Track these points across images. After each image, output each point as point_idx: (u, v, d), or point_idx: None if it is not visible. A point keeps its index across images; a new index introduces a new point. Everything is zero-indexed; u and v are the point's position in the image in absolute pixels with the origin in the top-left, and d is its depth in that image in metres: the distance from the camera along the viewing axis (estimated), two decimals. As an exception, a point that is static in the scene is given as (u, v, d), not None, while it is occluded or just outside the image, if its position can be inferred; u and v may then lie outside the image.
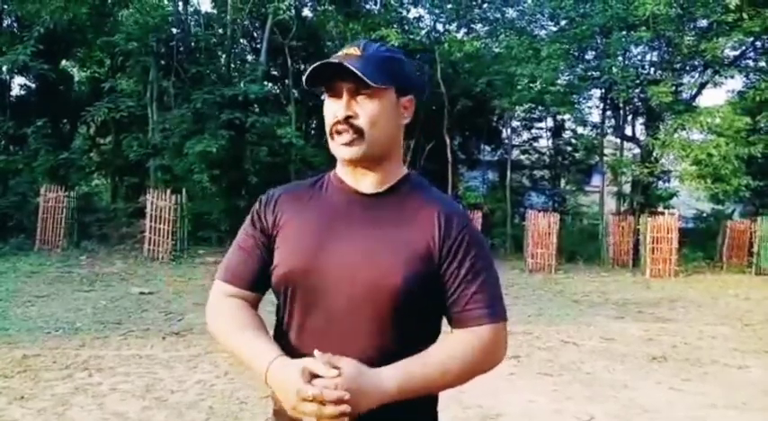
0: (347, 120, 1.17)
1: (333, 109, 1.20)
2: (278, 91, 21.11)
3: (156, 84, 16.54)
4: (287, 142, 15.86)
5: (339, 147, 1.20)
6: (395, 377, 1.09)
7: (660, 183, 19.40)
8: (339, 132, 1.19)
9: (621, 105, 18.87)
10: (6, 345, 5.42)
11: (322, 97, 1.24)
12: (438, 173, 22.07)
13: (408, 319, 1.15)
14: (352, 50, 1.18)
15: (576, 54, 18.25)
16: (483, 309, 1.16)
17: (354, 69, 1.12)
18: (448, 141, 19.77)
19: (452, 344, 1.17)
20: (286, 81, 19.83)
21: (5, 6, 17.64)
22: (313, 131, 24.51)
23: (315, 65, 1.17)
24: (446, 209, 1.19)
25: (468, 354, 1.15)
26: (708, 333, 7.36)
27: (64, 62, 20.36)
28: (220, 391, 4.37)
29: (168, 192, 13.57)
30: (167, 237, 13.05)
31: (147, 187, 15.11)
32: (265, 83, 18.03)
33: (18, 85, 20.05)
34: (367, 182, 1.22)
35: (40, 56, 16.08)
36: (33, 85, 19.53)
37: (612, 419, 4.16)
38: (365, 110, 1.17)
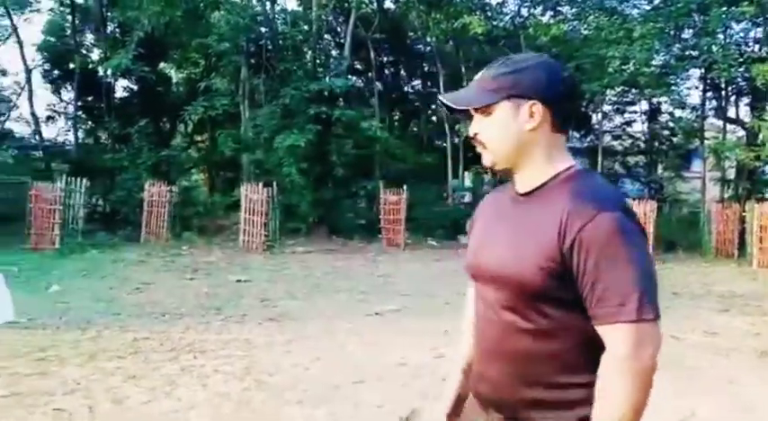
0: (475, 136, 1.33)
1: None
2: (362, 84, 21.37)
3: (247, 82, 17.21)
4: (371, 135, 16.05)
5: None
6: None
7: (768, 167, 18.04)
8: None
9: (723, 85, 17.66)
10: (119, 329, 5.87)
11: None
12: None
13: (527, 305, 1.22)
14: (479, 74, 1.35)
15: (672, 33, 17.23)
16: (606, 307, 1.15)
17: (448, 102, 1.33)
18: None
19: (599, 379, 1.17)
20: (369, 74, 20.05)
21: (109, 14, 18.91)
22: (396, 123, 24.66)
23: (439, 101, 1.39)
24: (572, 206, 1.18)
25: (610, 375, 1.15)
26: (826, 328, 6.79)
27: (162, 64, 21.59)
28: (314, 375, 4.52)
29: (260, 185, 14.13)
30: (260, 229, 13.60)
31: (241, 181, 15.78)
32: (349, 76, 18.30)
33: (121, 87, 21.52)
34: (520, 183, 1.33)
35: (141, 59, 17.13)
36: (135, 87, 20.87)
37: (715, 416, 3.95)
38: (482, 126, 1.31)
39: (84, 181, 13.66)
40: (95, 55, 20.64)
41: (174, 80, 23.11)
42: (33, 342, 5.29)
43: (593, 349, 1.18)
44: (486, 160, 1.33)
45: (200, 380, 4.37)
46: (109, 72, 18.87)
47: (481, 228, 1.39)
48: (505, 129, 1.28)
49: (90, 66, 20.10)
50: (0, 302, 1.79)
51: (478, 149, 1.34)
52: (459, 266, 10.00)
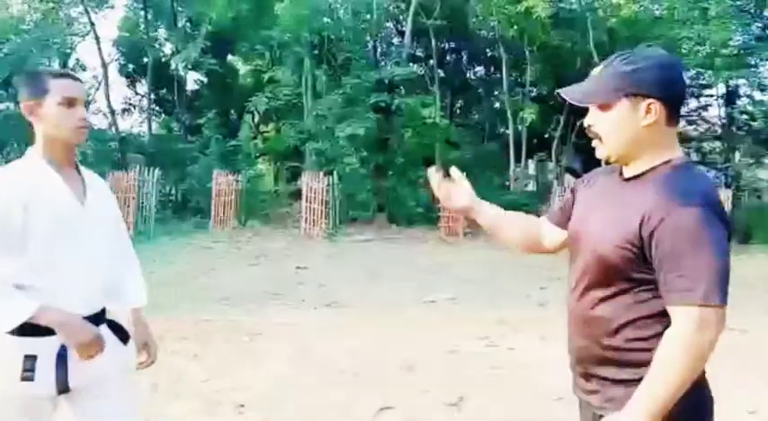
0: (589, 128, 1.43)
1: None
2: (422, 72, 21.28)
3: (309, 72, 17.50)
4: (431, 123, 16.01)
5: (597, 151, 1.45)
6: (640, 414, 1.27)
7: None
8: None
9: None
10: (185, 311, 6.17)
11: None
12: (590, 148, 20.97)
13: (611, 279, 1.37)
14: (596, 70, 1.43)
15: (753, 11, 16.24)
16: (677, 293, 1.27)
17: (567, 97, 1.44)
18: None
19: (660, 348, 1.30)
20: (430, 61, 19.95)
21: (179, 9, 19.63)
22: (459, 111, 24.44)
23: (557, 95, 1.52)
24: (658, 197, 1.29)
25: (672, 352, 1.27)
26: None
27: (230, 57, 22.25)
28: (364, 360, 4.63)
29: (321, 174, 14.39)
30: (321, 217, 13.87)
31: (304, 170, 16.12)
32: (410, 64, 18.28)
33: (192, 80, 22.34)
34: (626, 170, 1.43)
35: (209, 52, 17.72)
36: (205, 80, 21.62)
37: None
38: (598, 120, 1.41)
39: (157, 170, 14.31)
40: (167, 49, 21.52)
41: (241, 72, 23.77)
42: None
43: (662, 324, 1.32)
44: (600, 152, 1.43)
45: (256, 361, 4.56)
46: (180, 65, 19.64)
47: (584, 203, 1.53)
48: (623, 126, 1.37)
49: (162, 59, 20.96)
50: (135, 286, 1.98)
51: (593, 142, 1.43)
52: (517, 255, 9.94)
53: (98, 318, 1.81)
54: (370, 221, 16.20)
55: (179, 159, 18.11)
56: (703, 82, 20.81)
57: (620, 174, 1.45)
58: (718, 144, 22.39)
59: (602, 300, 1.39)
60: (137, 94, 23.24)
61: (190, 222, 15.01)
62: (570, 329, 1.51)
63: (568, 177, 15.82)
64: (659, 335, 1.31)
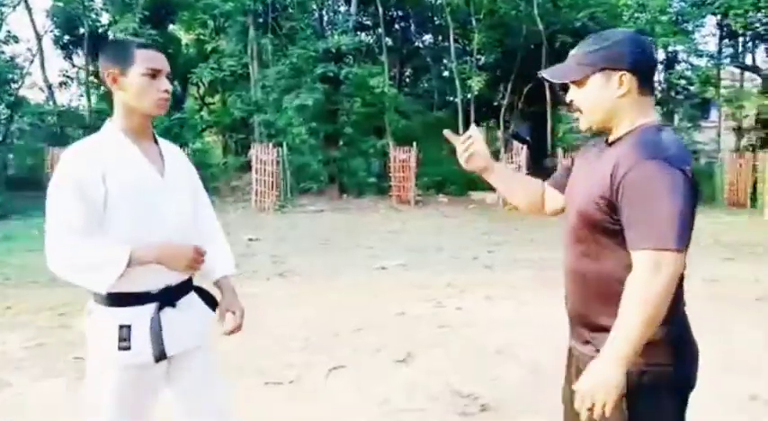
0: (571, 102, 1.57)
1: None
2: (370, 41, 21.14)
3: (254, 42, 17.16)
4: (380, 92, 16.01)
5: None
6: (612, 359, 1.38)
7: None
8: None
9: (740, 32, 17.21)
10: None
11: None
12: (537, 115, 21.42)
13: (590, 234, 1.51)
14: (573, 51, 1.56)
15: (689, -23, 16.77)
16: (636, 237, 1.38)
17: (548, 77, 1.58)
18: (546, 82, 19.06)
19: (627, 287, 1.40)
20: (378, 29, 19.82)
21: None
22: (407, 80, 24.45)
23: (539, 75, 1.65)
24: (624, 154, 1.43)
25: (635, 292, 1.37)
26: (827, 274, 6.86)
27: (171, 26, 21.54)
28: (316, 325, 4.76)
29: (271, 146, 14.27)
30: (272, 189, 13.81)
31: (253, 142, 15.94)
32: (357, 32, 18.14)
33: (134, 51, 21.54)
34: (610, 136, 1.57)
35: (149, 22, 17.11)
36: (147, 51, 20.91)
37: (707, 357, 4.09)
38: (577, 95, 1.55)
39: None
40: (104, 19, 20.66)
41: (184, 42, 23.08)
42: (55, 299, 5.59)
43: None
44: (583, 124, 1.57)
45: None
46: (118, 36, 18.88)
47: (577, 170, 1.68)
48: (599, 97, 1.51)
49: (100, 30, 20.13)
50: (223, 254, 1.96)
51: (575, 114, 1.59)
52: (467, 221, 10.24)
53: (185, 287, 1.81)
54: (322, 192, 16.23)
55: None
56: (636, 33, 21.43)
57: (606, 142, 1.58)
58: (658, 108, 23.19)
59: (589, 253, 1.51)
60: (74, 66, 22.30)
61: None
62: (566, 283, 1.64)
63: (516, 143, 16.16)
64: None
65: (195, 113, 19.37)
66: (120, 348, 1.66)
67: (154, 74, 1.71)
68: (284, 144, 14.75)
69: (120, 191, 1.66)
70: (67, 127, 19.26)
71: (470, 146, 1.79)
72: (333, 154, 16.40)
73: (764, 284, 6.35)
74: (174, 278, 1.74)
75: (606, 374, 1.37)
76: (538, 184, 1.87)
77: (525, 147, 15.10)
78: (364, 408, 3.23)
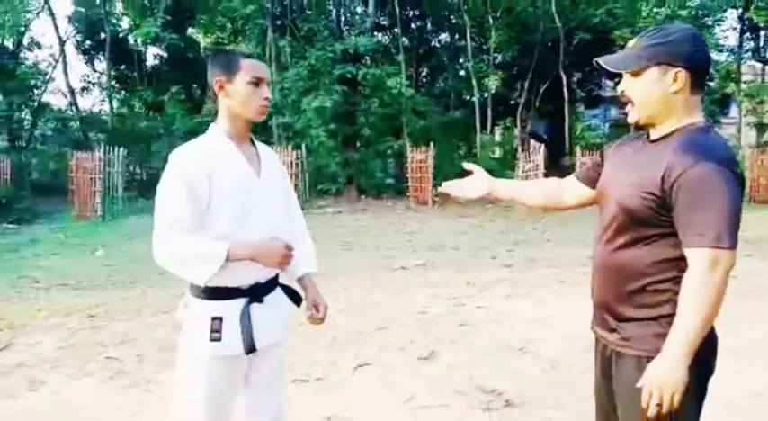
0: (623, 93, 1.61)
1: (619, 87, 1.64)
2: (387, 41, 21.21)
3: (273, 44, 17.32)
4: (397, 92, 16.07)
5: (628, 115, 1.63)
6: (675, 356, 1.47)
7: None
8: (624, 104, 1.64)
9: (762, 25, 16.99)
10: (162, 287, 6.27)
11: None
12: (554, 113, 21.32)
13: (631, 226, 1.57)
14: (632, 42, 1.60)
15: (707, -28, 16.62)
16: (692, 236, 1.45)
17: (604, 64, 1.61)
18: (564, 79, 18.97)
19: (681, 290, 1.49)
20: (395, 29, 19.88)
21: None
22: (424, 79, 24.48)
23: (594, 63, 1.66)
24: (678, 155, 1.49)
25: (694, 290, 1.46)
26: None
27: (190, 30, 21.81)
28: (341, 323, 4.84)
29: (290, 148, 14.41)
30: (291, 190, 13.95)
31: (272, 144, 16.10)
32: (375, 34, 18.23)
33: (152, 55, 21.87)
34: (654, 132, 1.63)
35: (169, 26, 17.36)
36: (165, 55, 21.20)
37: (722, 353, 4.10)
38: (630, 86, 1.59)
39: (122, 149, 14.15)
40: (125, 23, 20.99)
41: (203, 45, 23.35)
42: (84, 301, 5.75)
43: (676, 269, 1.51)
44: (632, 116, 1.61)
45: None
46: (139, 40, 19.19)
47: (613, 163, 1.72)
48: (653, 91, 1.55)
49: (120, 35, 20.47)
50: (307, 253, 2.09)
51: (627, 107, 1.61)
52: (485, 221, 10.29)
53: (272, 284, 1.92)
54: (340, 193, 16.34)
55: (143, 138, 17.87)
56: (696, 31, 21.23)
57: (647, 138, 1.64)
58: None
59: (625, 245, 1.58)
60: (95, 71, 22.72)
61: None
62: (595, 273, 1.71)
63: (533, 142, 16.13)
64: (674, 278, 1.52)
65: (215, 116, 19.57)
66: (212, 339, 1.77)
67: (257, 82, 1.83)
68: (303, 146, 14.88)
69: (223, 190, 1.78)
70: (90, 131, 19.60)
71: (457, 185, 1.97)
72: (351, 155, 16.51)
73: (787, 281, 6.32)
74: (263, 275, 1.85)
75: (672, 370, 1.46)
76: (550, 181, 1.96)
77: (543, 145, 15.07)
78: (390, 404, 3.32)
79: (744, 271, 6.80)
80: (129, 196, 14.95)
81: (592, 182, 1.83)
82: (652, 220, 1.54)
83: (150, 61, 22.04)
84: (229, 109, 1.86)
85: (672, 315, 1.53)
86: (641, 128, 1.67)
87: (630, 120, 1.62)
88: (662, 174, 1.49)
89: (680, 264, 1.52)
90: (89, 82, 22.67)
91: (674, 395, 1.47)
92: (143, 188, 16.87)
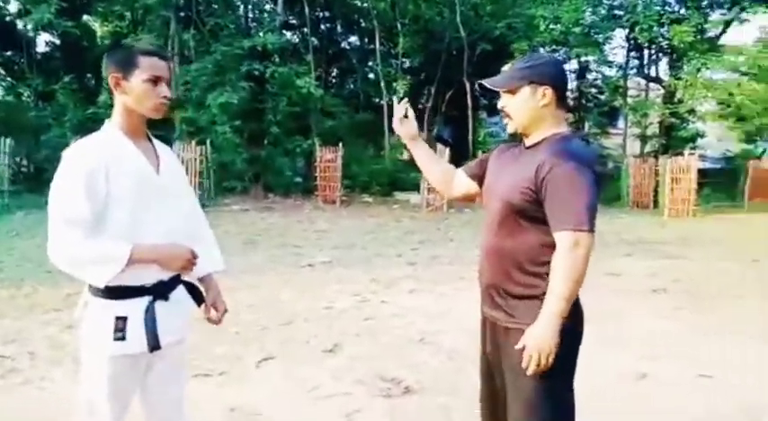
0: (502, 109, 1.90)
1: (499, 104, 1.93)
2: (297, 40, 21.10)
3: (176, 37, 16.76)
4: (306, 92, 16.05)
5: (507, 126, 1.92)
6: (548, 321, 1.73)
7: (686, 124, 19.15)
8: (503, 117, 1.93)
9: (646, 45, 18.49)
10: (52, 285, 5.95)
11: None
12: (459, 119, 22.08)
13: (512, 217, 1.83)
14: (507, 67, 1.91)
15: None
16: (557, 221, 1.73)
17: (488, 85, 1.91)
18: (468, 87, 19.68)
19: (554, 260, 1.74)
20: (305, 29, 19.82)
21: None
22: (334, 80, 24.56)
23: (477, 83, 1.96)
24: (547, 157, 1.77)
25: (563, 264, 1.72)
26: (714, 268, 7.60)
27: (86, 17, 20.60)
28: (245, 319, 4.84)
29: (194, 143, 14.01)
30: (195, 187, 13.58)
31: (174, 139, 15.56)
32: (284, 32, 18.09)
33: (44, 41, 20.46)
34: (528, 140, 1.92)
35: (63, 13, 16.34)
36: (58, 42, 19.91)
37: (599, 341, 4.48)
38: (509, 102, 1.89)
39: (8, 140, 13.18)
40: (13, 7, 19.50)
41: (99, 34, 22.14)
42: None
43: (550, 252, 1.76)
44: (511, 127, 1.90)
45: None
46: (30, 27, 17.92)
47: (495, 166, 2.00)
48: (526, 106, 1.86)
49: (8, 18, 19.01)
50: (211, 252, 1.98)
51: (504, 120, 1.91)
52: (391, 221, 10.48)
53: (176, 281, 1.89)
54: (246, 191, 16.09)
55: (31, 128, 16.70)
56: (558, 58, 22.61)
57: (522, 145, 1.94)
58: (570, 115, 24.47)
59: (508, 234, 1.84)
60: (-22, 55, 20.89)
61: (46, 196, 14.02)
62: (483, 259, 1.96)
63: (439, 146, 16.64)
64: (549, 261, 1.76)
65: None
66: (116, 339, 1.75)
67: (155, 80, 1.80)
68: (207, 142, 14.52)
69: (122, 187, 1.75)
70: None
71: (407, 111, 2.19)
72: (258, 153, 16.29)
73: (659, 278, 6.97)
74: (167, 273, 1.84)
75: (545, 333, 1.72)
76: (451, 169, 2.21)
77: (448, 149, 15.59)
78: (293, 394, 3.38)
79: (625, 269, 7.45)
80: (16, 190, 13.94)
81: (477, 177, 2.10)
82: (529, 212, 1.81)
83: (41, 48, 20.61)
84: (125, 105, 1.83)
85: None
86: (518, 137, 1.96)
87: (509, 130, 1.91)
88: (534, 172, 1.78)
89: (553, 248, 1.77)
90: (-30, 67, 20.86)
91: (549, 356, 1.72)
92: (30, 182, 15.78)
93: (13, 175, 14.28)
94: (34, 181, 15.62)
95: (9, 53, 19.99)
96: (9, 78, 20.67)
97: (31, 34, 18.58)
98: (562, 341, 1.74)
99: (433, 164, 2.24)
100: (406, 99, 2.26)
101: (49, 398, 3.24)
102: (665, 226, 12.51)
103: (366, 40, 23.05)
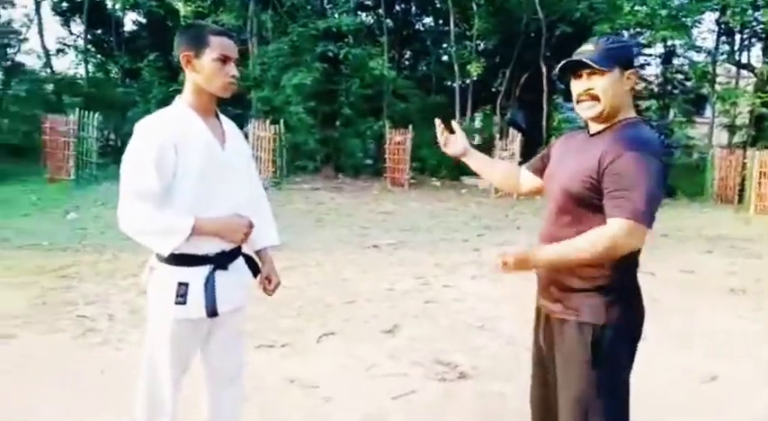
0: (588, 91, 1.78)
1: (576, 86, 1.82)
2: (371, 21, 21.10)
3: (254, 18, 17.13)
4: (378, 74, 16.06)
5: (583, 111, 1.82)
6: (539, 254, 1.76)
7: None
8: (582, 101, 1.81)
9: (738, 29, 17.34)
10: (132, 252, 6.29)
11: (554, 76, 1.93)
12: (534, 104, 21.54)
13: (573, 207, 1.79)
14: (590, 47, 1.80)
15: (689, -27, 16.85)
16: (615, 208, 1.64)
17: (590, 62, 1.76)
18: (545, 70, 19.13)
19: (592, 231, 1.70)
20: (379, 10, 19.79)
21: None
22: (407, 62, 24.45)
23: (563, 62, 1.81)
24: (611, 145, 1.71)
25: (594, 237, 1.67)
26: (799, 269, 7.13)
27: (170, -2, 21.39)
28: (309, 296, 4.98)
29: (268, 122, 14.36)
30: (268, 165, 13.95)
31: (250, 118, 16.01)
32: (358, 13, 18.11)
33: (131, 20, 21.43)
34: (593, 127, 1.84)
35: (150, -8, 17.01)
36: (144, 21, 20.80)
37: (667, 338, 4.32)
38: (596, 84, 1.77)
39: (97, 114, 13.94)
40: (104, -13, 20.49)
41: (182, 13, 22.93)
42: (56, 262, 5.79)
43: None
44: (595, 110, 1.78)
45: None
46: (117, 6, 18.80)
47: (558, 155, 1.96)
48: (615, 88, 1.77)
49: (99, -2, 20.00)
50: (268, 227, 2.16)
51: (585, 103, 1.79)
52: (459, 205, 10.45)
53: (236, 252, 2.00)
54: (317, 171, 16.37)
55: (118, 103, 17.58)
56: (643, 41, 21.56)
57: (587, 132, 1.86)
58: (653, 102, 23.36)
59: (568, 224, 1.78)
60: (71, 34, 22.12)
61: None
62: None
63: (512, 130, 16.32)
64: (610, 260, 1.70)
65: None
66: (177, 303, 1.85)
67: (225, 59, 1.87)
68: (281, 122, 14.84)
69: (189, 161, 1.83)
70: (64, 94, 19.20)
71: (445, 133, 2.19)
72: (330, 134, 16.50)
73: (739, 277, 6.61)
74: (229, 245, 1.94)
75: (528, 255, 1.74)
76: (513, 167, 2.17)
77: (521, 134, 15.26)
78: (351, 371, 3.47)
79: (701, 266, 7.11)
80: (103, 162, 14.78)
81: (539, 172, 2.06)
82: (589, 200, 1.74)
83: (128, 27, 21.61)
84: (195, 83, 1.89)
85: (608, 286, 1.74)
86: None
87: (592, 114, 1.79)
88: (598, 160, 1.71)
89: None
90: (65, 44, 22.11)
91: (515, 262, 1.73)
92: (117, 155, 16.68)
93: (100, 148, 15.10)
94: (120, 154, 16.41)
95: (99, 31, 21.06)
96: (99, 55, 21.81)
97: (119, 13, 19.48)
98: (615, 331, 1.72)
99: (492, 169, 2.23)
100: (438, 121, 2.22)
101: (125, 359, 3.46)
102: (749, 222, 11.79)
103: (441, 21, 22.76)
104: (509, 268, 1.73)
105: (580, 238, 1.69)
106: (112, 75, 21.10)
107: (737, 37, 18.04)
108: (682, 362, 3.77)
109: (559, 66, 1.83)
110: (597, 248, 1.64)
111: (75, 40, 21.91)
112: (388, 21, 20.21)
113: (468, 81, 20.52)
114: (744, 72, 19.21)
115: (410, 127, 15.47)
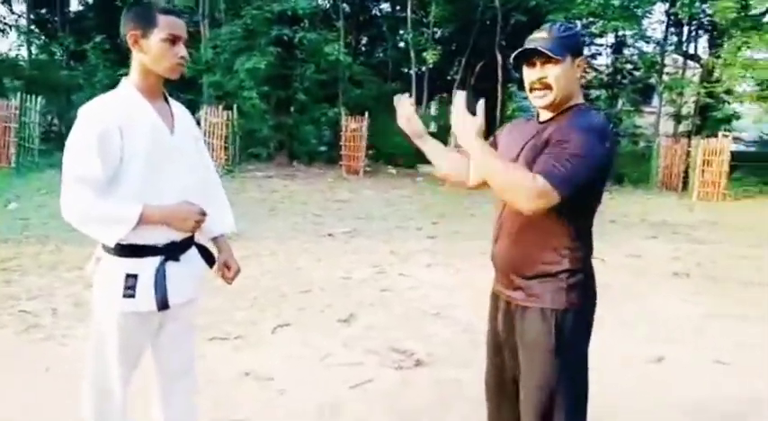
0: (541, 80, 1.77)
1: (530, 74, 1.80)
2: (327, 6, 20.83)
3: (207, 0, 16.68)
4: (334, 59, 15.89)
5: (536, 99, 1.81)
6: (474, 145, 1.68)
7: (723, 104, 18.58)
8: (535, 89, 1.80)
9: (686, 21, 17.86)
10: (77, 244, 6.08)
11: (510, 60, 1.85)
12: (489, 92, 21.74)
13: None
14: (543, 34, 1.78)
15: (640, -37, 17.23)
16: (548, 169, 1.61)
17: (546, 51, 1.74)
18: (500, 59, 19.30)
19: (521, 170, 1.67)
20: (336, -5, 19.55)
21: None
22: (363, 48, 24.29)
23: (518, 51, 1.79)
24: (559, 130, 1.71)
25: (517, 177, 1.63)
26: (740, 254, 7.45)
27: (119, -22, 20.62)
28: (264, 285, 4.91)
29: (220, 108, 14.06)
30: (220, 152, 13.67)
31: (201, 103, 15.63)
32: (315, -3, 17.83)
33: (77, 0, 20.58)
34: (543, 114, 1.85)
35: (96, -28, 16.34)
36: (90, 1, 20.01)
37: (616, 322, 4.45)
38: (549, 73, 1.76)
39: (39, 98, 13.37)
40: (46, -36, 19.59)
41: (132, -5, 22.16)
42: None
43: (569, 236, 1.75)
44: (547, 99, 1.78)
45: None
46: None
47: (506, 145, 1.92)
48: (568, 77, 1.77)
49: (41, -24, 19.14)
50: (223, 214, 2.02)
51: (538, 92, 1.79)
52: (414, 193, 10.47)
53: (188, 242, 1.91)
54: (271, 158, 16.15)
55: (62, 87, 16.90)
56: (594, 31, 21.97)
57: (536, 120, 1.87)
58: (603, 91, 23.90)
59: (525, 216, 1.72)
60: (13, 12, 21.09)
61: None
62: (499, 240, 1.92)
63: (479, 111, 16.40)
64: (567, 246, 1.74)
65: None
66: (125, 296, 1.77)
67: (173, 39, 1.79)
68: (234, 107, 14.55)
69: (135, 146, 1.75)
70: (5, 77, 18.33)
71: (409, 109, 2.14)
72: (284, 120, 16.27)
73: (682, 262, 6.86)
74: (178, 234, 1.86)
75: (476, 138, 1.67)
76: (464, 158, 2.11)
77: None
78: (306, 361, 3.44)
79: (647, 251, 7.35)
80: (46, 148, 14.19)
81: None
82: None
83: (74, 7, 20.77)
84: (142, 64, 1.82)
85: (567, 270, 1.77)
86: (535, 112, 1.89)
87: (544, 103, 1.79)
88: (546, 142, 1.72)
89: (573, 226, 1.76)
90: (5, 24, 21.06)
91: (463, 124, 1.72)
92: (60, 141, 16.03)
93: (43, 134, 14.50)
94: (64, 140, 15.81)
95: (43, 11, 20.17)
96: (42, 36, 20.88)
97: (64, -7, 18.68)
98: (575, 315, 1.76)
99: (443, 159, 2.18)
100: (407, 94, 2.18)
101: (71, 355, 3.34)
102: (692, 209, 12.25)
103: (398, 7, 22.67)
104: (458, 122, 1.72)
105: (515, 169, 1.66)
106: (56, 57, 20.23)
107: (685, 28, 18.57)
108: (629, 345, 3.89)
109: (515, 54, 1.80)
110: (507, 179, 1.63)
111: (16, 20, 20.90)
112: (345, 5, 20.02)
113: (424, 68, 20.53)
114: (690, 63, 19.85)
115: (366, 114, 15.41)
